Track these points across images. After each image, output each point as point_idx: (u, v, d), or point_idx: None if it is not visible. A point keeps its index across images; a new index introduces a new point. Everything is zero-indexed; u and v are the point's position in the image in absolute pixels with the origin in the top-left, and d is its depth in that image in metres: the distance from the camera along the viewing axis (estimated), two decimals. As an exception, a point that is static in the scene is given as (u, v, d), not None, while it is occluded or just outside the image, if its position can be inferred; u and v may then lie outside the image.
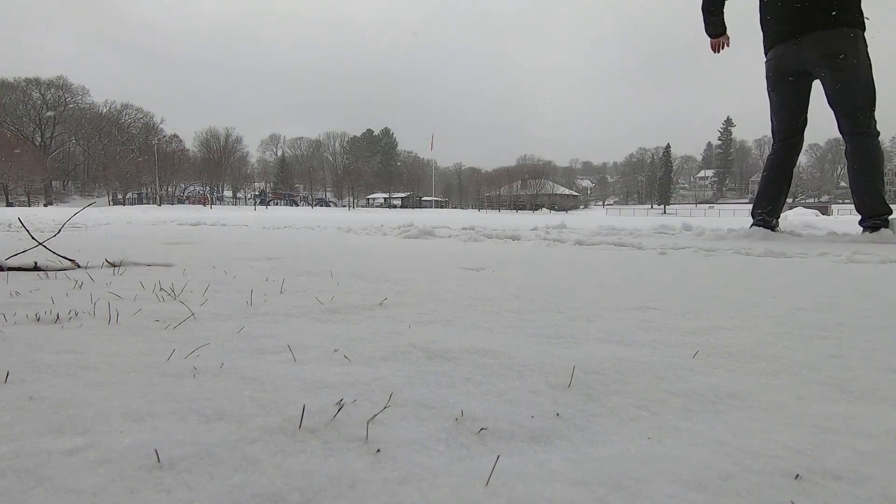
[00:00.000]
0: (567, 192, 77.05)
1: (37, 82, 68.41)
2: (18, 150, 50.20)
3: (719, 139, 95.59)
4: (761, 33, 4.30)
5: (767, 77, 4.29)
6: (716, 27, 4.43)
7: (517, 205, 68.21)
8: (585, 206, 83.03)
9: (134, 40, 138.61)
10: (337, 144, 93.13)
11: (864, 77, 3.84)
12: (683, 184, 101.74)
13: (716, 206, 72.94)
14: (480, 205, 73.74)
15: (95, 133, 69.94)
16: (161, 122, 77.19)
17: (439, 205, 77.70)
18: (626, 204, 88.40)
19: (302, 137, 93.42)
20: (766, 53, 4.28)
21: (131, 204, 58.47)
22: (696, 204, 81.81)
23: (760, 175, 4.51)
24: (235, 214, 18.38)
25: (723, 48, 4.50)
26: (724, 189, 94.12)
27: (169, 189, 62.53)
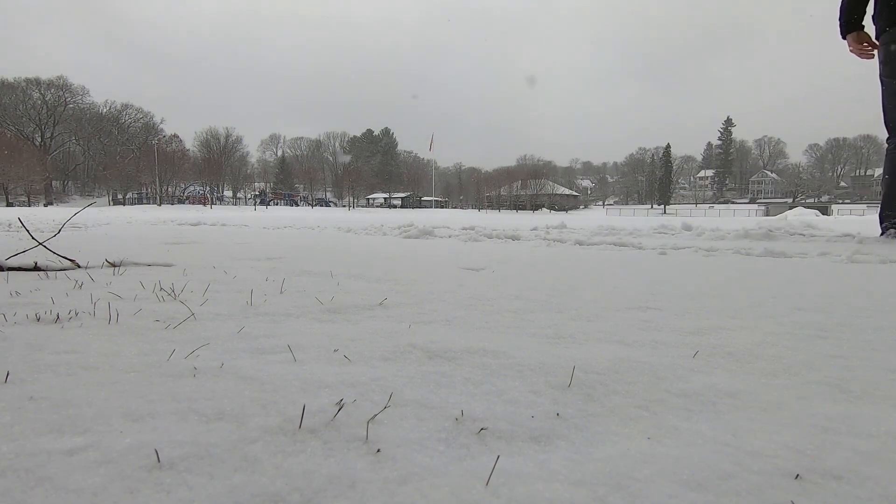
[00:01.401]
0: (567, 192, 77.00)
1: (37, 82, 68.38)
2: (18, 150, 50.20)
3: (719, 139, 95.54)
4: (873, 12, 3.80)
5: (883, 62, 3.74)
6: (855, 12, 3.77)
7: (517, 205, 68.17)
8: (585, 206, 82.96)
9: (134, 40, 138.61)
10: (337, 144, 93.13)
11: None
12: (683, 184, 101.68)
13: (716, 206, 72.97)
14: (480, 205, 73.72)
15: (95, 133, 69.88)
16: (161, 122, 77.23)
17: (439, 205, 77.67)
18: (626, 204, 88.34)
19: (302, 137, 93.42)
20: (878, 37, 3.78)
21: (131, 204, 58.45)
22: (696, 204, 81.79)
23: (882, 175, 4.06)
24: (235, 214, 18.37)
25: (867, 48, 3.81)
26: (724, 189, 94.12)
27: (169, 189, 62.50)
